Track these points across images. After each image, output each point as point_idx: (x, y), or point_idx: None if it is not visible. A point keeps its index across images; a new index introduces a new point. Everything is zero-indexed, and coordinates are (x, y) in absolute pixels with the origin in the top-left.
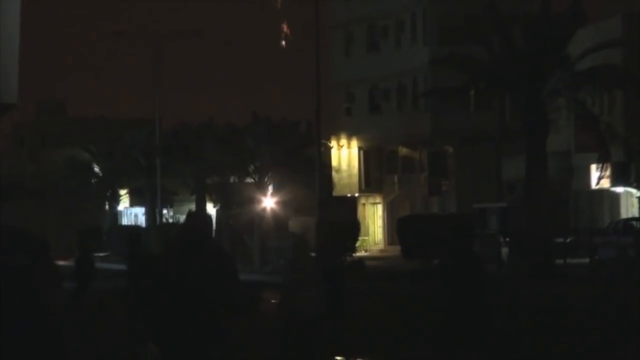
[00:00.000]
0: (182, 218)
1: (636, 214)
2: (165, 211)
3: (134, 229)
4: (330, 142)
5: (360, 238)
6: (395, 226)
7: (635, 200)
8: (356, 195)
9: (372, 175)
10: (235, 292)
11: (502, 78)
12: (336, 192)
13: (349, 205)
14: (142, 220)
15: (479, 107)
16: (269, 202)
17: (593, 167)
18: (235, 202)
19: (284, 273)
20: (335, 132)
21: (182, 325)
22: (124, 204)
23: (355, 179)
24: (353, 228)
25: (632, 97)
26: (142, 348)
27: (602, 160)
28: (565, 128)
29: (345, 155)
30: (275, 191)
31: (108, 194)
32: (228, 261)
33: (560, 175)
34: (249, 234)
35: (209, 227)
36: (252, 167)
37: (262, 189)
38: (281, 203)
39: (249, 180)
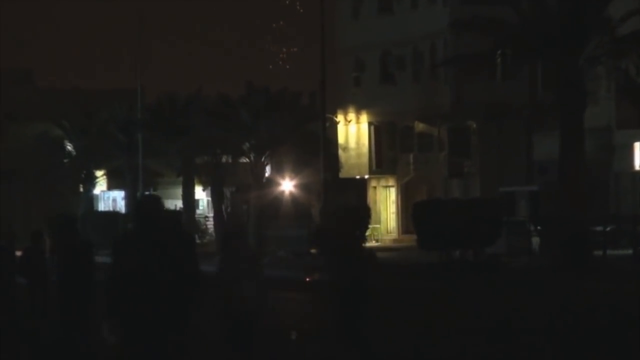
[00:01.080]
0: (167, 203)
1: None
2: None
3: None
4: (336, 117)
5: (370, 226)
6: (411, 212)
7: None
8: (366, 177)
9: (385, 155)
10: (188, 265)
11: (533, 43)
12: (343, 174)
13: (358, 189)
14: (121, 206)
15: (507, 76)
16: (286, 185)
17: (637, 145)
18: (229, 185)
19: (221, 264)
20: (343, 105)
21: (143, 313)
22: (100, 186)
23: (365, 159)
24: (362, 214)
25: None
26: (107, 322)
27: None
28: (605, 100)
29: (353, 131)
30: (275, 173)
31: (82, 175)
32: (184, 240)
33: (599, 155)
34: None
35: (159, 211)
36: (247, 144)
37: (258, 169)
38: (286, 186)
39: (244, 160)
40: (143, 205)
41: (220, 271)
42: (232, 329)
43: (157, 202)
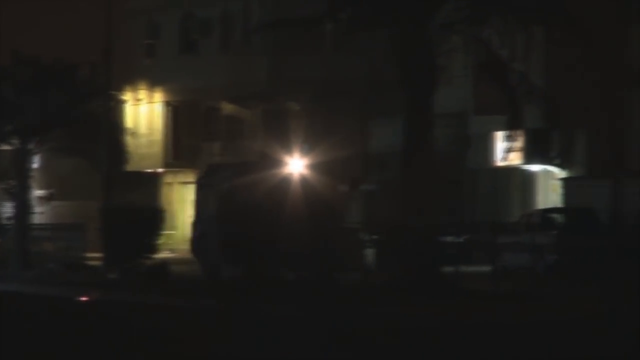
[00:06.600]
0: None
1: (558, 203)
2: None
3: None
4: (122, 94)
5: (164, 232)
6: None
7: (558, 184)
8: (159, 170)
9: (184, 143)
10: None
11: (371, 5)
12: (131, 167)
13: (149, 185)
14: None
15: (340, 47)
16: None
17: (498, 135)
18: None
19: None
20: (132, 80)
21: None
22: None
23: (159, 148)
24: (153, 217)
25: (558, 37)
26: None
27: (511, 126)
28: (460, 79)
29: (145, 113)
30: (48, 161)
31: None
32: None
33: (451, 147)
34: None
35: None
36: (9, 127)
37: (23, 158)
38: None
39: (5, 147)
40: None
41: None
42: None
43: None
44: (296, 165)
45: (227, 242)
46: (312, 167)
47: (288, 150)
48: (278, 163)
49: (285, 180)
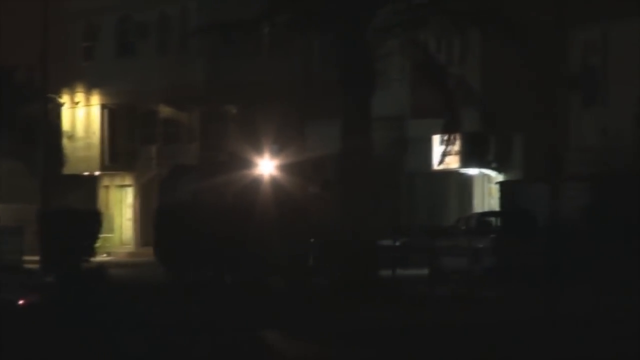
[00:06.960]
0: None
1: (495, 207)
2: None
3: None
4: (60, 97)
5: (101, 235)
6: (152, 219)
7: (495, 187)
8: (97, 173)
9: (121, 146)
10: None
11: (309, 9)
12: (69, 169)
13: (87, 188)
14: None
15: (276, 50)
16: None
17: (436, 138)
18: None
19: None
20: (69, 83)
21: None
22: None
23: (97, 151)
24: (91, 220)
25: (495, 40)
26: None
27: (449, 130)
28: (398, 83)
29: (82, 115)
30: None
31: None
32: None
33: (389, 150)
34: None
35: None
36: None
37: None
38: None
39: None
40: None
41: None
42: None
43: None
44: (265, 166)
45: (193, 245)
46: (282, 168)
47: (248, 151)
48: (245, 164)
49: (254, 182)
